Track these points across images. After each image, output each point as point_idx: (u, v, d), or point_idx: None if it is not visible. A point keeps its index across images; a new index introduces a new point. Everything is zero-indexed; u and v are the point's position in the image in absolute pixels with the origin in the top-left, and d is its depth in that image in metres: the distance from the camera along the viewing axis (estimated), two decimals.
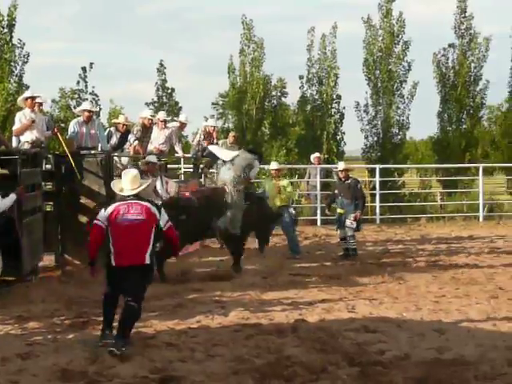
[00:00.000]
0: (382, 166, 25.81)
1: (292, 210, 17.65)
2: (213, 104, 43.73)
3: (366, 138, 29.53)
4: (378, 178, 24.82)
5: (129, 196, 9.24)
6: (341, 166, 17.66)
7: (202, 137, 18.98)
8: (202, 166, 19.17)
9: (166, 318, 10.50)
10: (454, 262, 16.22)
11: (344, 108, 29.35)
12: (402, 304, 11.77)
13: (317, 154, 24.63)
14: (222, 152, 16.02)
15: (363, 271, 14.96)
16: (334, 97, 29.07)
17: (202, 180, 18.63)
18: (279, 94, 30.44)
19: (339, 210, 17.12)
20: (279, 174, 17.75)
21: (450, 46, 30.26)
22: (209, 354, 8.74)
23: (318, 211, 23.75)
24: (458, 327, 10.09)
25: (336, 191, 17.31)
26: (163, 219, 9.25)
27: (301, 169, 26.31)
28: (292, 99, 30.82)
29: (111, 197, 11.39)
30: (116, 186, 9.55)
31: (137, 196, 9.28)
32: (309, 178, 24.18)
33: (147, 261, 9.01)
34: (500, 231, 22.70)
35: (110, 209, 9.14)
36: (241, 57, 29.69)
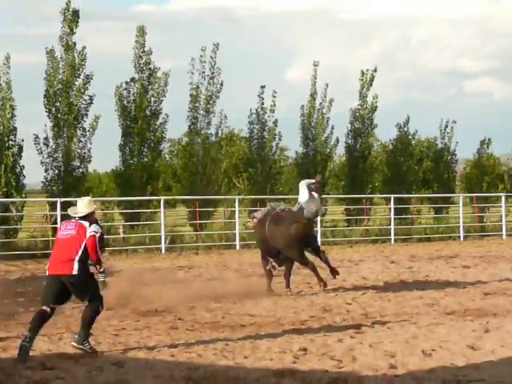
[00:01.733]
0: (63, 199, 25.47)
1: None
2: None
3: (47, 171, 29.07)
4: (59, 212, 24.50)
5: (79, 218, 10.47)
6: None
7: None
8: None
9: None
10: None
11: (22, 140, 28.59)
12: None
13: None
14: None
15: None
16: (12, 129, 28.25)
17: None
18: None
19: None
20: None
21: (131, 80, 30.66)
22: None
23: None
24: (137, 359, 10.11)
25: None
26: (90, 230, 10.26)
27: None
28: None
29: None
30: (72, 210, 10.68)
31: (83, 217, 10.45)
32: None
33: (75, 271, 10.09)
34: (181, 262, 23.28)
35: None
36: None
